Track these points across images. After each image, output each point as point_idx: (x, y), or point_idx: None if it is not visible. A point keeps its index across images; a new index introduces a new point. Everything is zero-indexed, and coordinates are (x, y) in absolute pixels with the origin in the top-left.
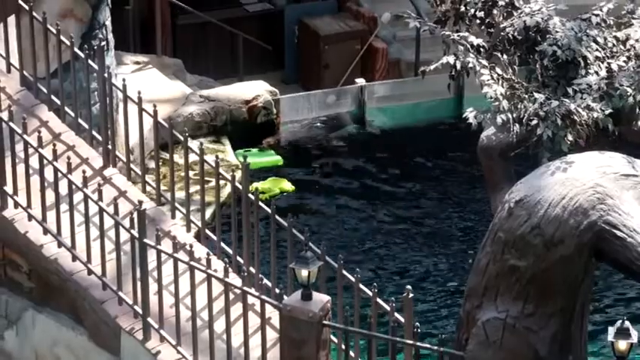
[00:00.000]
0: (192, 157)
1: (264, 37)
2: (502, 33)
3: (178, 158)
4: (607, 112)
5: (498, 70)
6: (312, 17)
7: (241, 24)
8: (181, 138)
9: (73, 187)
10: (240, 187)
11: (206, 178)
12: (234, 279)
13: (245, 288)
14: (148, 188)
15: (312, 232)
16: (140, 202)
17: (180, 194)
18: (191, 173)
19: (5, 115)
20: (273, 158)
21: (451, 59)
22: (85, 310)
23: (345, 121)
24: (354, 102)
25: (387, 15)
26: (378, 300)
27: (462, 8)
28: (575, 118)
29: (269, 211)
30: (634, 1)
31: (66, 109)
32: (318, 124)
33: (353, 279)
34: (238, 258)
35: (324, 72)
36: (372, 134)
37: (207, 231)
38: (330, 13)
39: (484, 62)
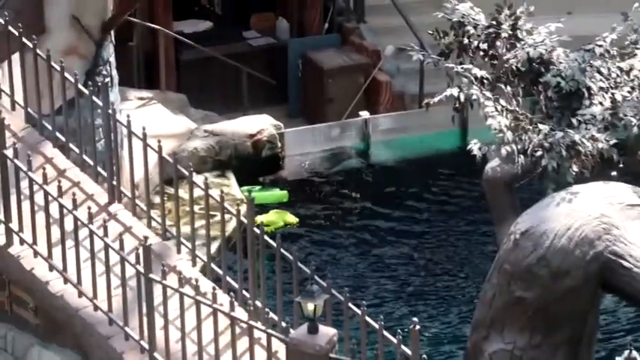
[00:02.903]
0: (197, 192)
1: (268, 71)
2: (505, 65)
3: (183, 193)
4: (611, 142)
5: (502, 101)
6: (316, 51)
7: (245, 58)
8: (186, 173)
9: (79, 223)
10: (245, 221)
11: (211, 213)
12: (240, 313)
13: (251, 322)
14: (154, 223)
15: (317, 266)
16: (145, 238)
17: (185, 229)
18: (196, 208)
19: (10, 153)
20: (279, 193)
21: (455, 91)
22: (92, 347)
23: (349, 155)
24: (358, 135)
25: (390, 48)
26: (385, 332)
27: (465, 40)
28: (580, 148)
29: (274, 244)
30: (637, 31)
31: (70, 145)
32: (323, 157)
33: (359, 312)
34: (244, 292)
35: (328, 105)
36: (377, 167)
37: (213, 265)
38: (333, 47)
39: (488, 94)
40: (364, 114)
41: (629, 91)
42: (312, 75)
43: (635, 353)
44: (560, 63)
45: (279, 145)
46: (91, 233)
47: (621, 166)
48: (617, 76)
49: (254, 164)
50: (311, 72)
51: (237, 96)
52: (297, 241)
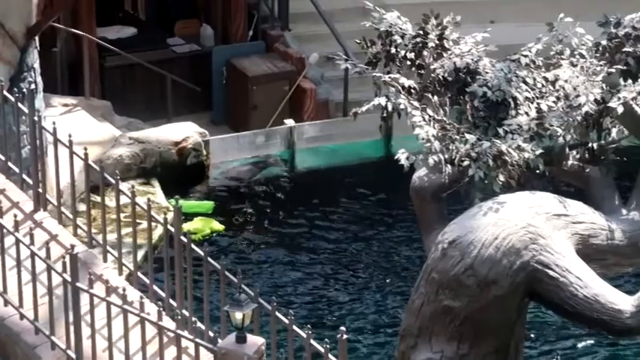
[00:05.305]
0: (123, 200)
1: (192, 78)
2: (432, 74)
3: (108, 201)
4: (537, 152)
5: (429, 111)
6: (240, 58)
7: (169, 65)
8: (113, 181)
9: (4, 231)
10: (172, 229)
11: (137, 221)
12: (168, 322)
13: (179, 331)
14: (79, 231)
15: (244, 273)
16: (72, 246)
17: (111, 237)
18: (122, 216)
19: None
20: (205, 204)
21: (382, 101)
22: (17, 356)
23: (274, 162)
24: (283, 143)
25: (314, 56)
26: (312, 341)
27: (393, 50)
28: (507, 158)
29: (202, 253)
30: (562, 42)
31: None
32: (248, 165)
33: (287, 321)
34: (171, 301)
35: (252, 113)
36: (302, 175)
37: (140, 274)
38: (258, 54)
39: (415, 104)
40: (289, 122)
41: (554, 101)
42: (236, 82)
43: None
44: (487, 73)
45: (205, 152)
46: (17, 241)
47: (547, 175)
48: (543, 86)
49: (179, 172)
50: (235, 79)
51: (161, 103)
52: (223, 249)
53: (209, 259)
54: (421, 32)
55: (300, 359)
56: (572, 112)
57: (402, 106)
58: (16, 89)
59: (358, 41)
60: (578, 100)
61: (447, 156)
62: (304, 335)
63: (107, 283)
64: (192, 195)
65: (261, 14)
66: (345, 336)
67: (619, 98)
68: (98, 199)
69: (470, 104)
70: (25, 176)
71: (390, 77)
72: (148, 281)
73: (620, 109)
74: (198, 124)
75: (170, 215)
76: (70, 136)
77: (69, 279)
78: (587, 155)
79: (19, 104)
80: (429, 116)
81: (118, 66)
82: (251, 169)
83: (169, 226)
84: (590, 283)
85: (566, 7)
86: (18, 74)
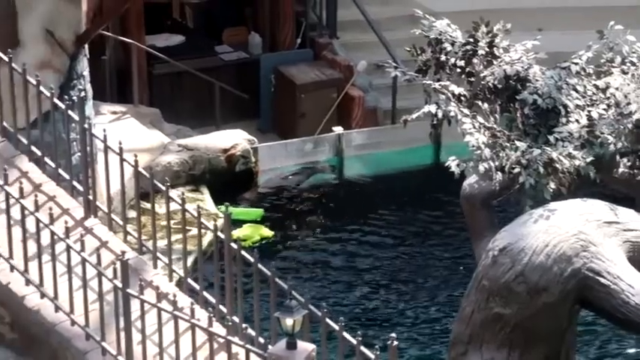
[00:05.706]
0: (172, 206)
1: (240, 85)
2: (483, 82)
3: (158, 208)
4: (588, 159)
5: (480, 118)
6: (288, 66)
7: (217, 73)
8: (163, 187)
9: (55, 237)
10: (221, 235)
11: (187, 227)
12: (218, 328)
13: (229, 337)
14: (129, 238)
15: (294, 279)
16: (123, 252)
17: (161, 243)
18: (171, 222)
19: None
20: (254, 211)
21: (433, 108)
22: None
23: (322, 170)
24: (331, 150)
25: (362, 63)
26: (362, 348)
27: (443, 57)
28: (557, 166)
29: (252, 260)
30: (612, 49)
31: (46, 159)
32: (296, 172)
33: (337, 327)
34: (221, 307)
35: (300, 121)
36: (350, 182)
37: (190, 280)
38: (306, 62)
39: (465, 111)
40: (338, 129)
41: (605, 109)
42: (284, 90)
43: None
44: (537, 80)
45: (253, 159)
46: (68, 248)
47: (598, 183)
48: (594, 93)
49: (228, 179)
50: (283, 87)
51: (209, 110)
52: (272, 256)
53: (259, 265)
54: (471, 40)
55: None
56: (623, 120)
57: (452, 114)
58: (66, 97)
59: (408, 49)
60: (629, 107)
61: (497, 163)
62: (354, 342)
63: (157, 290)
64: (240, 202)
65: (309, 22)
66: (395, 343)
67: None
68: (148, 205)
69: (520, 112)
70: (75, 183)
71: (440, 85)
72: (198, 287)
73: None
74: (246, 131)
75: (220, 222)
76: (120, 143)
77: (120, 285)
78: (638, 163)
79: (69, 111)
80: (480, 123)
81: (166, 74)
82: (299, 176)
83: (219, 233)
84: None
85: (614, 15)
86: (68, 82)
